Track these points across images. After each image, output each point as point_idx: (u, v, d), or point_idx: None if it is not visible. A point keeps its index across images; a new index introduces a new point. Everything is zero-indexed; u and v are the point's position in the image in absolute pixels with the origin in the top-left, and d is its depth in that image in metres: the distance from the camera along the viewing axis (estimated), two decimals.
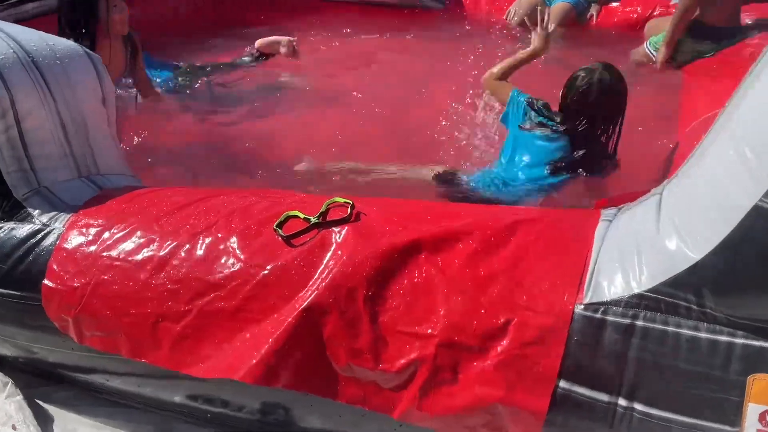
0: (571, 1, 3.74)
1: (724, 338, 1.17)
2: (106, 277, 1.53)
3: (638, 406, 1.21)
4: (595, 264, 1.31)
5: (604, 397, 1.23)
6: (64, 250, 1.59)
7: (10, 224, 1.67)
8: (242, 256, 1.47)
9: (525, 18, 3.69)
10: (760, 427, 1.14)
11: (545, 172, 2.22)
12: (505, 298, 1.30)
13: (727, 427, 1.16)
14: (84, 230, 1.61)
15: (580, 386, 1.24)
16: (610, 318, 1.23)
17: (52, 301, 1.58)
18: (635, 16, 3.67)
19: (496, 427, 1.30)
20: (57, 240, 1.61)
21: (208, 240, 1.51)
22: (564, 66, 3.48)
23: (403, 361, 1.32)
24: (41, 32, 1.84)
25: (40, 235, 1.63)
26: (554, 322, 1.26)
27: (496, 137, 2.70)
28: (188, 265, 1.49)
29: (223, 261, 1.47)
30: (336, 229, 1.46)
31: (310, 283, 1.39)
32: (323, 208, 1.51)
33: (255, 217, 1.55)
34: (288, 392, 1.39)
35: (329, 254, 1.41)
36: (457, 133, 2.84)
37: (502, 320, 1.28)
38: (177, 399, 1.64)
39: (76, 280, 1.55)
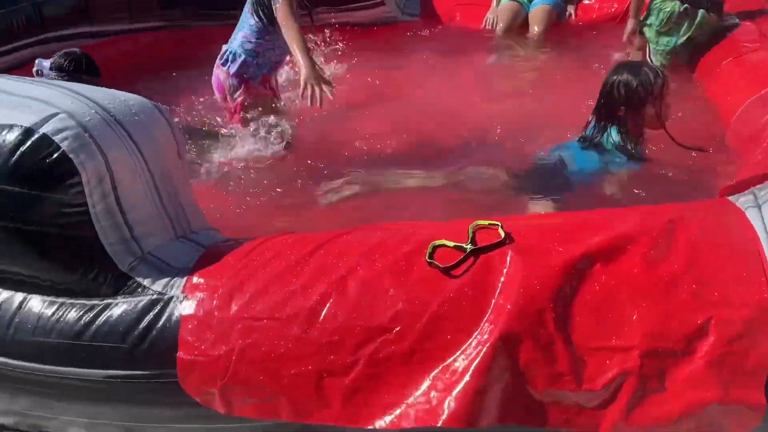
0: (550, 2, 3.83)
1: None
2: (252, 340, 1.42)
3: None
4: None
5: None
6: (194, 318, 1.47)
7: (120, 299, 1.52)
8: (403, 295, 1.39)
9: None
10: None
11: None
12: (697, 297, 1.30)
13: None
14: (210, 293, 1.49)
15: None
16: None
17: (190, 374, 1.45)
18: (612, 10, 3.80)
19: (711, 429, 1.29)
20: (181, 308, 1.48)
21: (357, 282, 1.43)
22: (557, 66, 3.58)
23: (607, 376, 1.29)
24: (106, 88, 1.71)
25: (159, 306, 1.50)
26: (756, 314, 1.26)
27: None
28: (344, 312, 1.40)
29: (382, 302, 1.39)
30: (495, 253, 1.41)
31: (488, 312, 1.34)
32: (470, 233, 1.46)
33: (396, 252, 1.48)
34: None
35: (501, 280, 1.36)
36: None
37: (701, 320, 1.28)
38: None
39: (218, 348, 1.43)
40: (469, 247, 1.43)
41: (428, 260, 1.43)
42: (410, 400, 1.34)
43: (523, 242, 1.43)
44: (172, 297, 1.51)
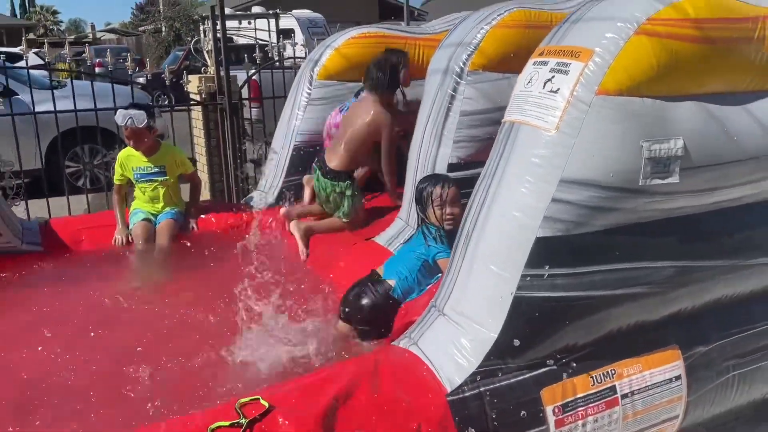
0: (174, 217, 4.35)
1: (522, 377, 2.03)
2: None
3: None
4: (437, 367, 2.02)
5: None
6: None
7: None
8: None
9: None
10: (556, 417, 2.02)
11: None
12: (410, 408, 1.87)
13: (542, 427, 2.00)
14: None
15: None
16: (467, 391, 1.95)
17: None
18: (229, 222, 4.52)
19: None
20: None
21: None
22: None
23: None
24: None
25: None
26: (444, 409, 1.90)
27: None
28: None
29: None
30: (266, 419, 1.75)
31: None
32: (238, 410, 1.76)
33: None
34: None
35: None
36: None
37: (415, 425, 1.85)
38: None
39: None
40: (244, 420, 1.73)
41: None
42: None
43: (283, 404, 1.80)
44: None
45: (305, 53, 6.45)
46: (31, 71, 6.95)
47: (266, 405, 1.78)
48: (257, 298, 2.95)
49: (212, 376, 2.58)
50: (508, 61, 3.16)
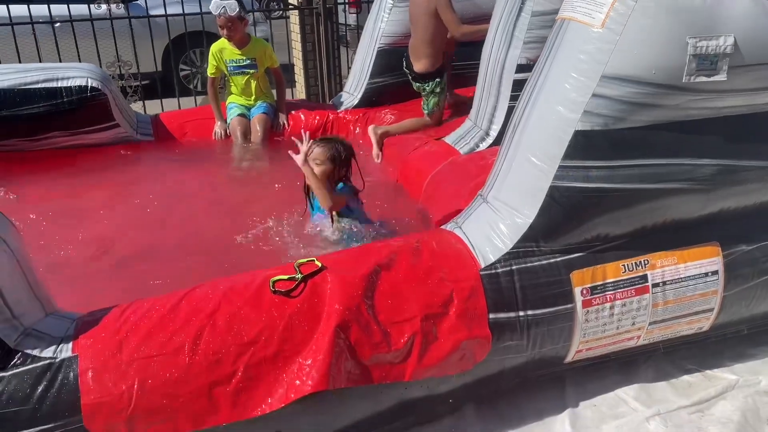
0: (266, 111, 4.72)
1: (554, 260, 2.20)
2: (148, 373, 1.79)
3: (526, 312, 2.16)
4: (475, 247, 2.23)
5: (511, 314, 2.14)
6: (90, 368, 1.78)
7: (15, 371, 1.74)
8: (261, 316, 1.93)
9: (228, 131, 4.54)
10: (584, 297, 2.20)
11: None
12: (442, 279, 2.11)
13: (569, 305, 2.19)
14: (101, 346, 1.82)
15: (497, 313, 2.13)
16: (499, 267, 2.16)
17: (96, 415, 1.74)
18: (315, 121, 4.82)
19: (467, 357, 2.08)
20: (76, 363, 1.78)
21: (224, 315, 1.92)
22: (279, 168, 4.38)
23: (404, 339, 2.00)
24: None
25: (54, 368, 1.77)
26: (474, 282, 2.12)
27: None
28: (219, 338, 1.88)
29: (246, 325, 1.91)
30: (318, 277, 2.05)
31: (323, 314, 1.96)
32: (297, 268, 2.08)
33: (246, 291, 2.01)
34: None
35: (328, 290, 2.00)
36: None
37: (447, 291, 2.09)
38: None
39: (118, 387, 1.77)
40: (299, 276, 2.04)
41: (272, 290, 2.00)
42: (283, 384, 1.86)
43: (334, 266, 2.10)
44: (64, 358, 1.79)
45: None
46: None
47: (319, 265, 2.08)
48: None
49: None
50: None
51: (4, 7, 5.33)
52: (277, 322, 1.93)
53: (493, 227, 2.26)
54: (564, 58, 2.16)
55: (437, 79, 4.11)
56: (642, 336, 2.30)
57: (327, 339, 1.91)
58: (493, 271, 2.16)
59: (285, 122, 4.80)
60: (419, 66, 4.15)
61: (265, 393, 1.86)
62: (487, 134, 3.30)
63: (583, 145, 2.11)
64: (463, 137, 3.46)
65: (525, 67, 3.17)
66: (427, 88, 4.15)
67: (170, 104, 5.94)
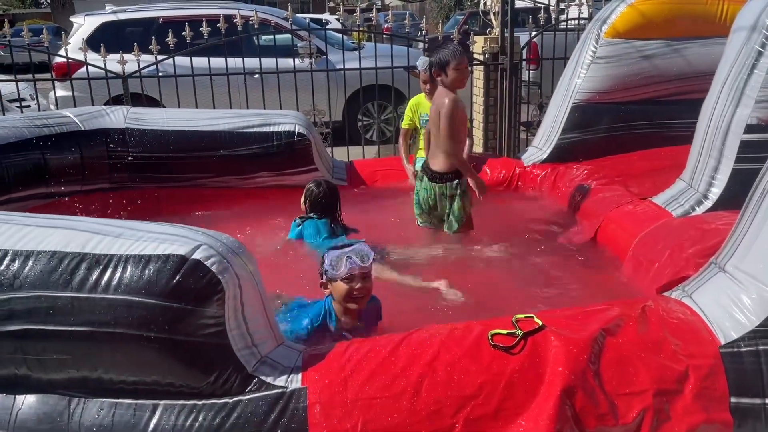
0: None
1: None
2: (372, 414, 1.81)
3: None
4: (712, 321, 2.04)
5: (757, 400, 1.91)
6: (318, 403, 1.83)
7: (250, 396, 1.84)
8: (482, 370, 1.88)
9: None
10: None
11: None
12: (676, 353, 1.94)
13: None
14: (328, 382, 1.87)
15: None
16: (743, 346, 1.95)
17: None
18: (504, 173, 4.79)
19: None
20: (306, 396, 1.84)
21: (444, 365, 1.90)
22: None
23: (633, 413, 1.85)
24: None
25: (285, 397, 1.84)
26: (713, 361, 1.93)
27: None
28: (439, 387, 1.85)
29: (467, 377, 1.87)
30: (539, 335, 1.97)
31: (547, 375, 1.87)
32: (515, 323, 2.01)
33: (464, 341, 1.98)
34: None
35: (551, 351, 1.91)
36: None
37: (682, 368, 1.91)
38: None
39: (344, 424, 1.79)
40: (519, 332, 1.98)
41: (491, 344, 1.95)
42: None
43: (556, 326, 2.01)
44: (294, 389, 1.86)
45: (589, 14, 6.34)
46: (336, 34, 7.89)
47: (539, 323, 2.00)
48: None
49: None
50: None
51: (222, 59, 5.94)
52: (498, 379, 1.87)
53: (734, 300, 2.05)
54: None
55: (456, 181, 3.65)
56: None
57: (552, 403, 1.81)
58: (736, 350, 1.95)
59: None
60: (437, 165, 3.73)
61: None
62: (705, 197, 3.05)
63: None
64: (676, 198, 3.24)
65: (755, 128, 2.91)
66: (446, 191, 3.68)
67: (353, 152, 6.22)
